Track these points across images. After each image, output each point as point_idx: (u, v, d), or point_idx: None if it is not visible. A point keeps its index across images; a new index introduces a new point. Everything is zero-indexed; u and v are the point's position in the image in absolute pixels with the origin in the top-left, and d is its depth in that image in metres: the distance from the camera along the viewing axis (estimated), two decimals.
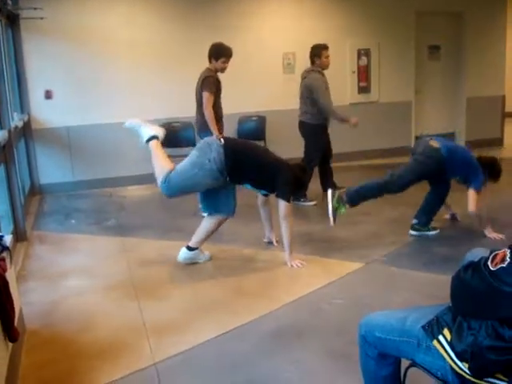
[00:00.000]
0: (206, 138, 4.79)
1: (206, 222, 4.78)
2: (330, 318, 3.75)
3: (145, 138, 4.68)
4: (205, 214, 5.06)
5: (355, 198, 5.19)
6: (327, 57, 6.71)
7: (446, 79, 10.30)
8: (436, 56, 10.13)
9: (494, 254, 1.88)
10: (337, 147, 7.25)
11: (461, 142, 10.38)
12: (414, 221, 5.46)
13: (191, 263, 4.79)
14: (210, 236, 4.81)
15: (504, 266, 1.80)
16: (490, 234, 5.24)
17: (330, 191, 5.20)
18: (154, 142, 4.67)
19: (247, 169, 4.63)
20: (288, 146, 7.23)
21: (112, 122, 7.67)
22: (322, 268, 4.67)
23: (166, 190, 4.59)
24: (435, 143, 5.22)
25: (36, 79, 7.55)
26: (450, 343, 1.99)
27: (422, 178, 5.29)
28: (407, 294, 4.06)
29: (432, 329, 2.06)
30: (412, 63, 9.73)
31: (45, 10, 7.12)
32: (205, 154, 4.51)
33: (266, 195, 5.05)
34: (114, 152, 7.81)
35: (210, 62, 5.97)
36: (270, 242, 5.22)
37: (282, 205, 4.64)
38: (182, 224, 5.91)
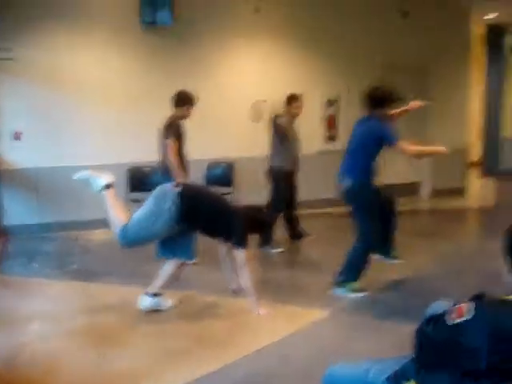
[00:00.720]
0: (162, 186, 4.73)
1: (167, 267, 4.73)
2: (295, 367, 3.73)
3: (99, 189, 4.63)
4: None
5: (357, 274, 5.15)
6: (297, 107, 6.82)
7: (411, 129, 10.49)
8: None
9: (455, 307, 1.91)
10: (303, 194, 7.31)
11: (426, 190, 10.58)
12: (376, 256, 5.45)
13: (154, 310, 4.73)
14: (171, 281, 4.76)
15: (465, 319, 1.84)
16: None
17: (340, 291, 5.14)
18: (108, 192, 4.61)
19: (202, 217, 4.60)
20: (256, 193, 7.28)
21: (81, 165, 7.57)
22: (288, 316, 4.66)
23: (123, 241, 4.53)
24: (345, 184, 5.22)
25: (5, 120, 7.51)
26: None
27: (375, 213, 5.17)
28: (371, 343, 4.06)
29: (396, 381, 2.07)
30: None
31: (15, 51, 7.15)
32: (160, 202, 4.47)
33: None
34: (82, 195, 7.66)
35: (175, 108, 6.04)
36: (237, 291, 5.19)
37: (240, 253, 4.62)
38: (148, 269, 5.82)
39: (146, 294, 4.70)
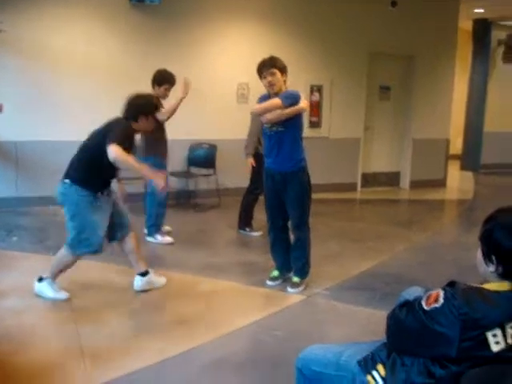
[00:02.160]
0: (58, 192, 4.53)
1: (130, 245, 4.64)
2: (269, 350, 3.77)
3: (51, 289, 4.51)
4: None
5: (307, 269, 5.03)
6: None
7: (394, 120, 10.59)
8: (386, 96, 10.42)
9: (428, 294, 1.95)
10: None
11: (405, 181, 10.69)
12: None
13: (149, 289, 4.68)
14: (140, 253, 4.71)
15: (437, 306, 1.87)
16: None
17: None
18: (48, 279, 4.51)
19: (92, 169, 4.39)
20: (237, 175, 7.27)
21: (63, 140, 7.59)
22: (264, 299, 4.70)
23: (88, 248, 4.39)
24: None
25: None
26: (383, 379, 2.04)
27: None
28: (347, 328, 4.12)
29: (366, 364, 2.11)
30: (363, 102, 9.98)
31: (4, 24, 7.05)
32: (70, 199, 4.39)
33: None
34: (62, 170, 7.68)
35: (153, 87, 6.02)
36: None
37: (110, 148, 4.08)
38: None
39: (138, 274, 4.67)
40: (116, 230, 4.59)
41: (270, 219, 5.03)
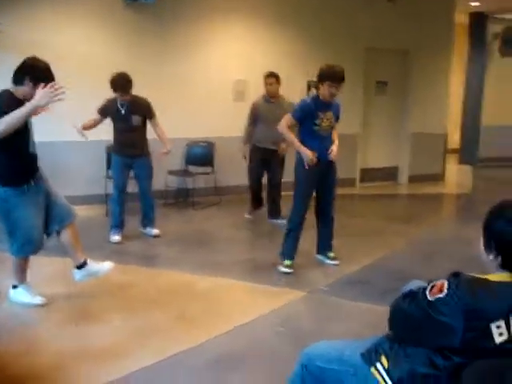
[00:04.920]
0: None
1: (67, 236, 4.45)
2: (270, 347, 3.76)
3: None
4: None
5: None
6: (270, 84, 6.88)
7: (391, 114, 10.58)
8: (383, 91, 10.40)
9: (432, 284, 1.94)
10: (284, 176, 7.31)
11: (403, 176, 10.69)
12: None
13: (95, 278, 4.53)
14: (79, 244, 4.51)
15: (441, 296, 1.87)
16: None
17: None
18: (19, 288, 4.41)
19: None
20: (236, 172, 7.26)
21: (61, 140, 7.55)
22: (265, 296, 4.68)
23: (27, 247, 4.23)
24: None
25: None
26: (387, 371, 2.03)
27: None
28: (348, 323, 4.11)
29: (370, 356, 2.10)
30: (360, 97, 9.94)
31: (2, 24, 7.02)
32: (4, 204, 4.10)
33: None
34: (62, 170, 7.63)
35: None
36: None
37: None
38: (126, 246, 5.85)
39: (75, 267, 4.47)
40: (52, 223, 4.38)
41: (302, 209, 5.24)
